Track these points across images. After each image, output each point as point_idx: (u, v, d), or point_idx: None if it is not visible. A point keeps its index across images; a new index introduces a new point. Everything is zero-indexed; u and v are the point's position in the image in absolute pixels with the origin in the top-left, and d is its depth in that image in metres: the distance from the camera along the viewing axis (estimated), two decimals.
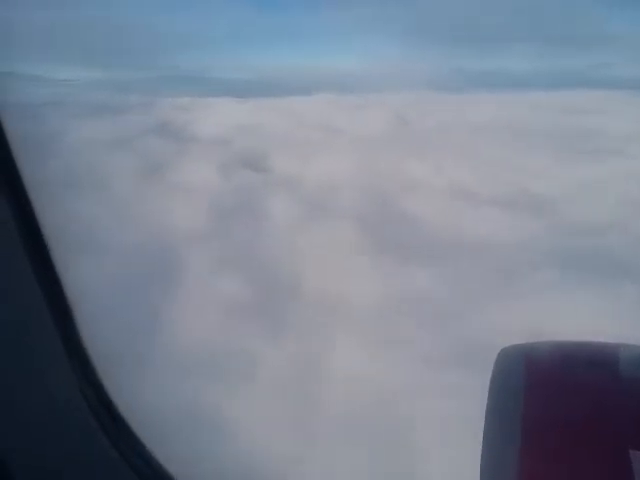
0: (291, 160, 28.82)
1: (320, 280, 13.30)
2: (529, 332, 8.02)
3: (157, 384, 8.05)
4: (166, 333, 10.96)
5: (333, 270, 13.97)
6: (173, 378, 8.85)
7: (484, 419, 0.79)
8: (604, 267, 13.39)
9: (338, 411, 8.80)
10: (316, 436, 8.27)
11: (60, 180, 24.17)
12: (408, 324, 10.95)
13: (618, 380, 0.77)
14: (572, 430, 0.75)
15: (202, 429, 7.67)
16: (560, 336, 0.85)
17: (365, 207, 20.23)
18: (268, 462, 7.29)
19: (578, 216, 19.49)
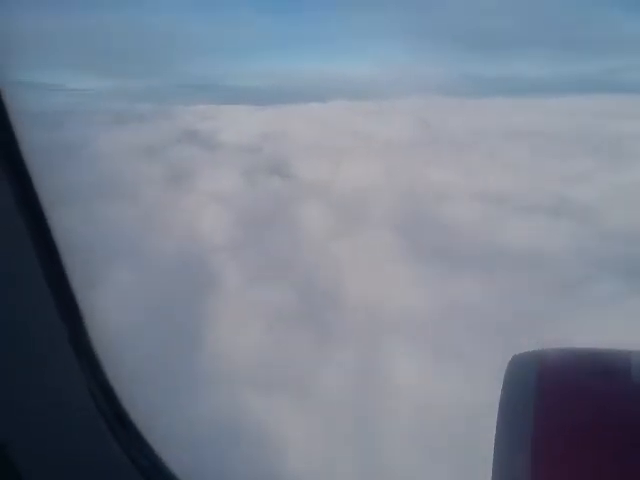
0: (321, 166, 28.48)
1: (365, 289, 12.80)
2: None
3: (178, 394, 7.94)
4: (189, 343, 10.63)
5: (378, 279, 13.47)
6: (192, 387, 8.66)
7: (495, 426, 0.78)
8: None
9: (395, 424, 8.36)
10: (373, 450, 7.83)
11: (93, 188, 24.24)
12: (462, 337, 10.38)
13: (630, 387, 0.75)
14: (583, 437, 0.74)
15: (219, 435, 7.56)
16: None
17: (402, 214, 19.70)
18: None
19: (622, 223, 18.65)
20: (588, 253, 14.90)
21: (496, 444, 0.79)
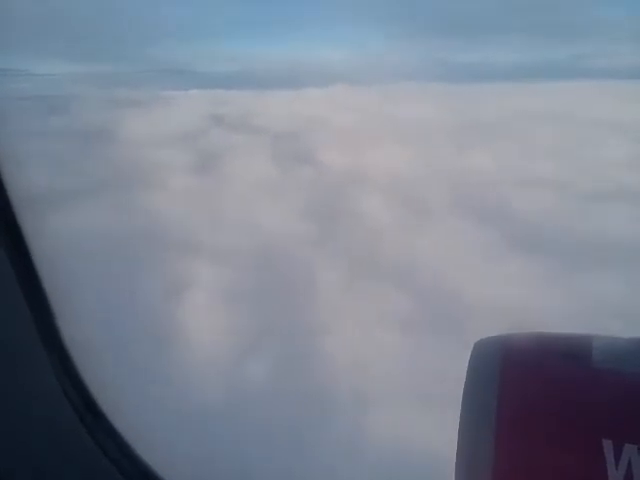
0: (358, 153, 27.56)
1: (487, 289, 12.17)
2: None
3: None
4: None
5: (496, 278, 12.85)
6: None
7: (460, 409, 0.79)
8: None
9: None
10: None
11: (127, 176, 22.89)
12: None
13: (591, 371, 0.77)
14: (545, 420, 0.77)
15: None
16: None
17: (467, 203, 19.11)
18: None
19: None
20: None
21: (460, 427, 0.81)
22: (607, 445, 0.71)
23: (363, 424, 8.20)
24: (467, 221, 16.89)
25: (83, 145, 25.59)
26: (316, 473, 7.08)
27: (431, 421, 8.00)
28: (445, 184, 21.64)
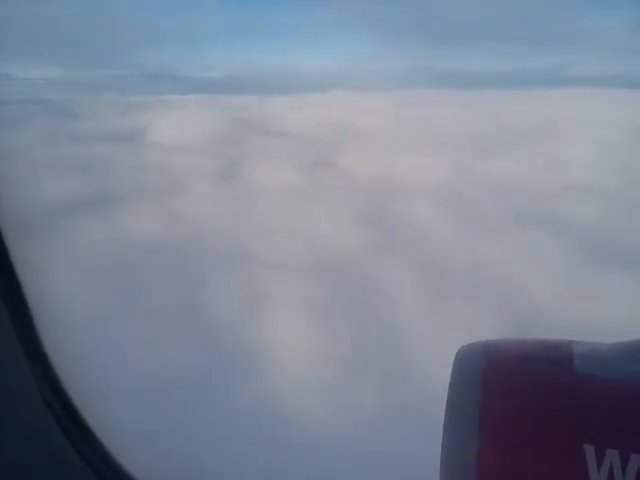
0: (382, 159, 27.14)
1: (558, 299, 11.77)
2: None
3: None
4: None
5: (567, 288, 12.48)
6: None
7: (444, 415, 0.80)
8: None
9: None
10: None
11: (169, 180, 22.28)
12: None
13: (572, 376, 0.78)
14: (528, 425, 0.78)
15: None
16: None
17: (523, 211, 18.71)
18: None
19: None
20: None
21: (444, 432, 0.81)
22: (589, 450, 0.71)
23: None
24: (533, 230, 16.50)
25: (114, 150, 24.97)
26: None
27: None
28: (494, 191, 21.27)
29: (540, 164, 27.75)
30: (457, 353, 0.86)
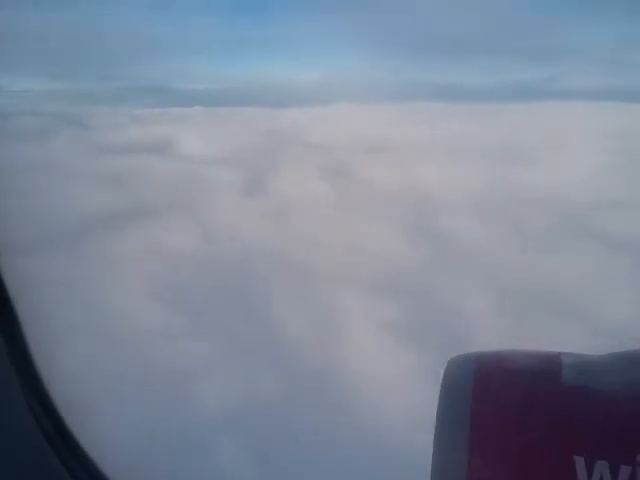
0: (408, 171, 26.86)
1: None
2: None
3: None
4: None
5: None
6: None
7: (434, 426, 0.78)
8: None
9: None
10: None
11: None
12: None
13: (561, 388, 0.78)
14: (518, 437, 0.76)
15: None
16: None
17: (569, 225, 18.42)
18: None
19: None
20: None
21: (435, 442, 0.80)
22: (579, 462, 0.70)
23: None
24: (589, 243, 16.17)
25: (146, 162, 24.53)
26: None
27: None
28: (536, 202, 20.97)
29: (576, 174, 27.54)
30: (448, 364, 0.85)
